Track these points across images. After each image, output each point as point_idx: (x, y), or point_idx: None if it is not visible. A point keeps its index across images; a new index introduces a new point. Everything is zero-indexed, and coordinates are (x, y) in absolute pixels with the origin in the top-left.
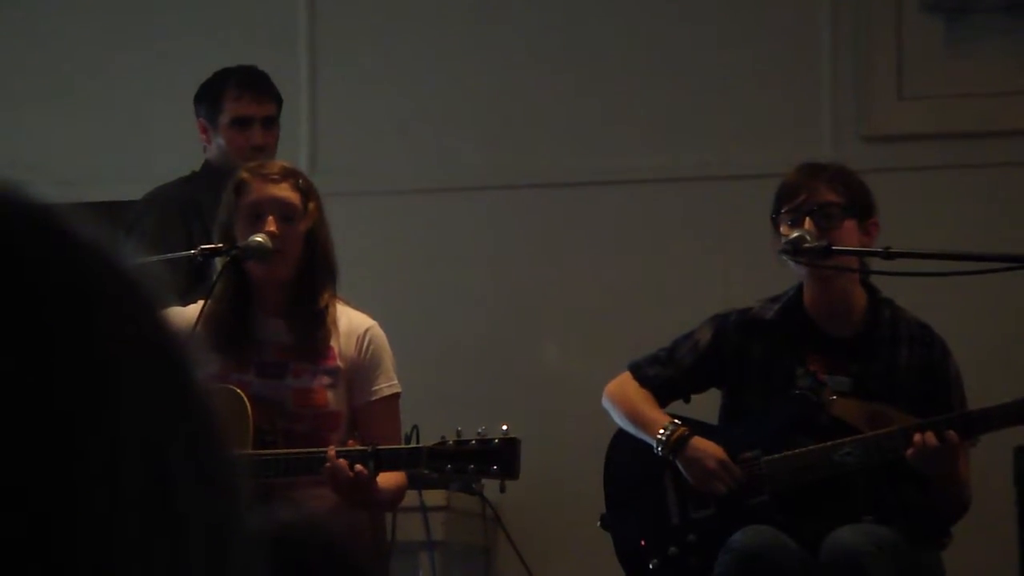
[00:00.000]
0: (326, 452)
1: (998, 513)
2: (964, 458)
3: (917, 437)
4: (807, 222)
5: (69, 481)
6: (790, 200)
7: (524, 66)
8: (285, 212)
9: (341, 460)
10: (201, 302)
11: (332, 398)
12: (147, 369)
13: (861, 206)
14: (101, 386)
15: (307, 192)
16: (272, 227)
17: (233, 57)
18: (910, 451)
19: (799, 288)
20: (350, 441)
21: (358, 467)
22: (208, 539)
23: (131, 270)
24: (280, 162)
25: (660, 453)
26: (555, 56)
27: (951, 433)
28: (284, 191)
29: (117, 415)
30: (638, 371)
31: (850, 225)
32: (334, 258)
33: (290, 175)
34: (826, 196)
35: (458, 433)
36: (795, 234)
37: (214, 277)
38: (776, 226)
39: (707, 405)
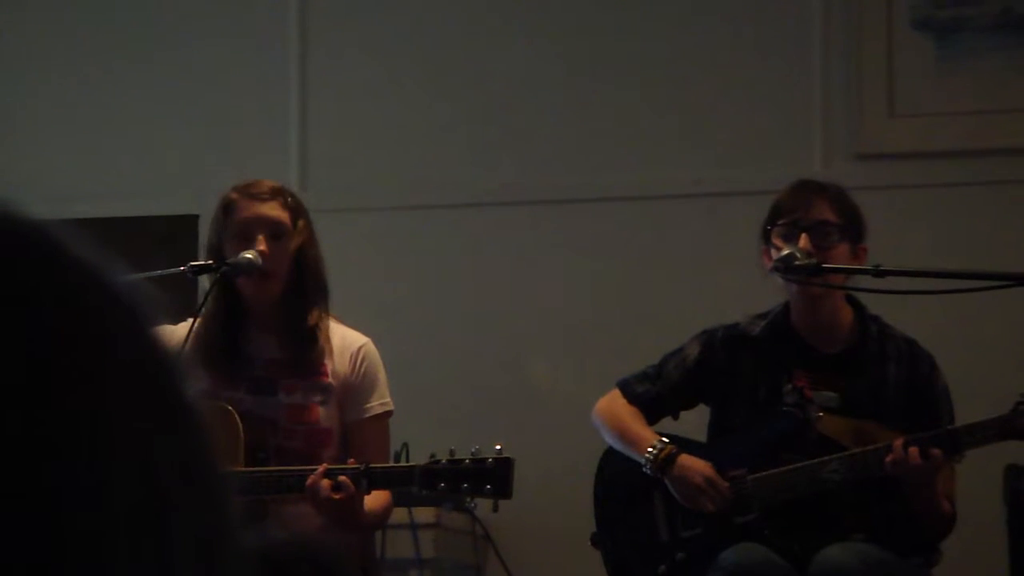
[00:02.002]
0: (316, 470)
1: (988, 531)
2: (950, 474)
3: (897, 445)
4: (803, 238)
5: (61, 495)
6: (788, 214)
7: (515, 84)
8: (274, 230)
9: (325, 481)
10: (192, 319)
11: (324, 415)
12: (139, 386)
13: (855, 230)
14: (93, 403)
15: (296, 210)
16: (262, 246)
17: (224, 73)
18: (888, 459)
19: (786, 305)
20: (350, 461)
21: (342, 478)
22: (198, 554)
23: (123, 287)
24: (269, 181)
25: (648, 472)
26: (545, 74)
27: (935, 451)
28: (272, 209)
29: (109, 431)
30: (626, 388)
31: (843, 248)
32: (325, 275)
33: (279, 194)
34: (824, 214)
35: (451, 452)
36: (786, 251)
37: (203, 294)
38: (768, 238)
39: (695, 422)
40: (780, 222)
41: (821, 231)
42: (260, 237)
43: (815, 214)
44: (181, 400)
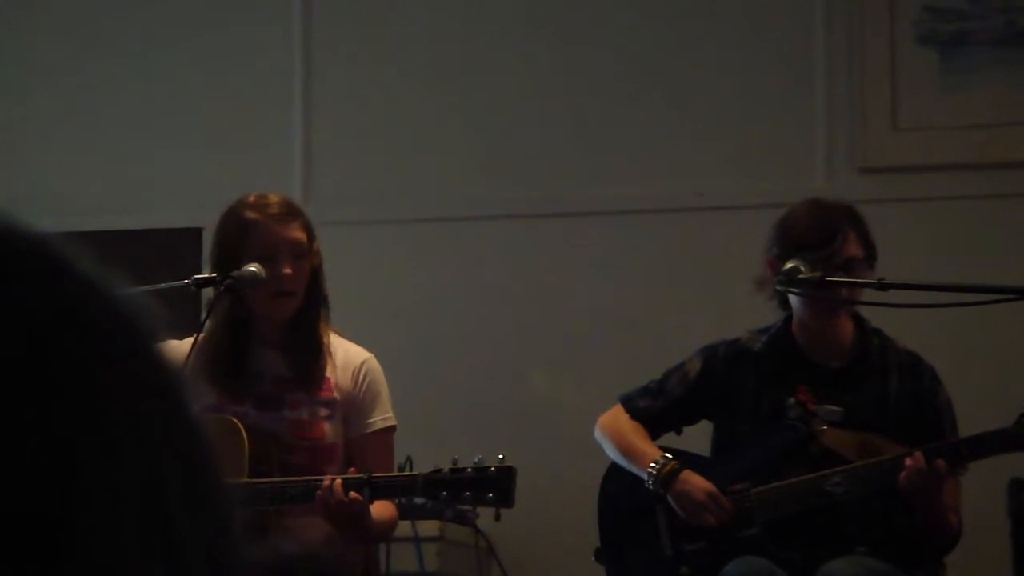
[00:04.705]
0: (321, 480)
1: (993, 545)
2: (955, 487)
3: (909, 462)
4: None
5: (68, 511)
6: (817, 249)
7: (518, 97)
8: (296, 252)
9: (337, 481)
10: (195, 334)
11: (329, 430)
12: (144, 402)
13: (874, 256)
14: (99, 418)
15: (309, 229)
16: (287, 269)
17: (228, 85)
18: (903, 475)
19: (787, 319)
20: (351, 469)
21: (352, 494)
22: (204, 568)
23: (127, 302)
24: (277, 196)
25: (651, 487)
26: (548, 86)
27: (940, 462)
28: (295, 231)
29: (115, 447)
30: (629, 403)
31: (867, 276)
32: (326, 290)
33: (297, 214)
34: (853, 250)
35: (454, 461)
36: (789, 264)
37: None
38: (782, 255)
39: (699, 436)
40: (809, 256)
41: (851, 268)
42: (286, 260)
43: (846, 251)
44: (185, 414)
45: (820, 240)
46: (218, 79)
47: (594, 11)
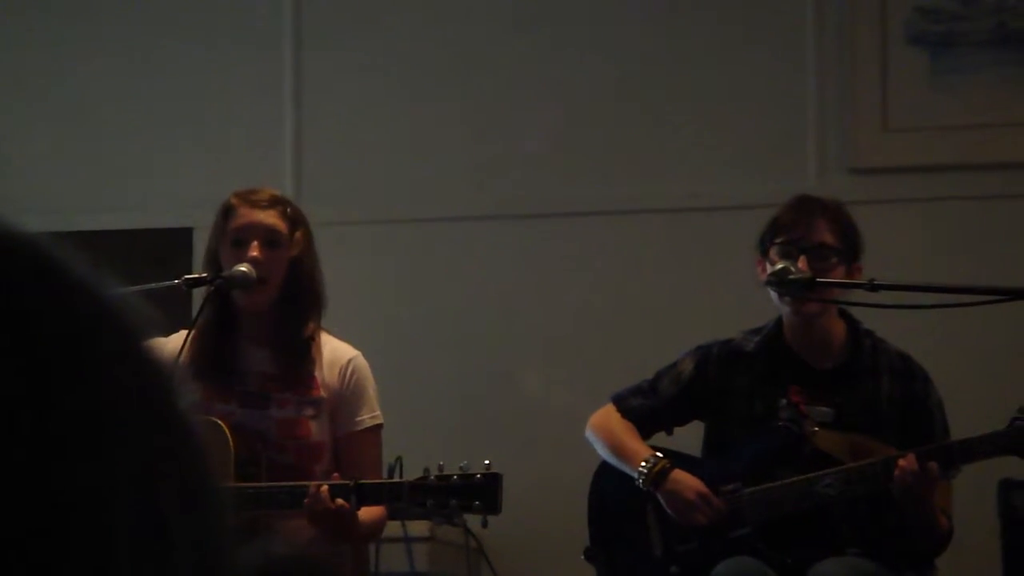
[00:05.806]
0: (308, 486)
1: (983, 546)
2: (946, 489)
3: (901, 464)
4: (801, 260)
5: (61, 511)
6: (787, 232)
7: (510, 97)
8: (269, 238)
9: (323, 488)
10: (184, 332)
11: (316, 429)
12: (137, 401)
13: (853, 251)
14: (92, 419)
15: (294, 220)
16: (255, 252)
17: (219, 85)
18: (896, 476)
19: (779, 320)
20: (334, 475)
21: (339, 501)
22: (199, 569)
23: (119, 302)
24: (270, 190)
25: (641, 485)
26: (543, 87)
27: (932, 464)
28: (270, 217)
29: (108, 447)
30: (621, 402)
31: (840, 270)
32: (321, 289)
33: (278, 203)
34: (824, 237)
35: (440, 468)
36: (780, 265)
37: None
38: (764, 252)
39: (690, 437)
40: (779, 240)
41: (819, 253)
42: (255, 243)
43: (815, 236)
44: (177, 414)
45: (792, 222)
46: (209, 80)
47: (589, 12)
